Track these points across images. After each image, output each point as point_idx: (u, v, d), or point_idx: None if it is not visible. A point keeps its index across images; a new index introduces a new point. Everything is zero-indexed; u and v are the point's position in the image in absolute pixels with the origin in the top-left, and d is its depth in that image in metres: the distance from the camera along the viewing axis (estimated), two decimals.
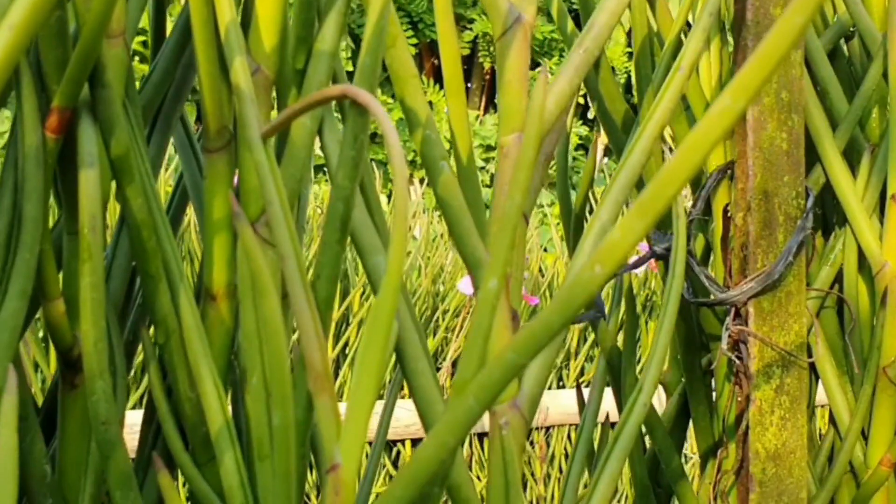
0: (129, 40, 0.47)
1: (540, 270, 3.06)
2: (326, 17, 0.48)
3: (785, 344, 0.67)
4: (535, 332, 0.37)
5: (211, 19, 0.46)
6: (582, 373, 2.81)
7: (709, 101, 0.71)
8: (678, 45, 0.66)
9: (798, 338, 0.68)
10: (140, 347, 0.53)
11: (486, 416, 0.50)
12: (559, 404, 2.60)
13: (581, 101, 6.23)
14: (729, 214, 0.70)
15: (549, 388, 2.87)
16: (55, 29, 0.42)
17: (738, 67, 0.67)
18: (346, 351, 2.51)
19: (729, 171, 0.69)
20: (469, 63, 6.56)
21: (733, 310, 0.67)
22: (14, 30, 0.29)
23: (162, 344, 0.47)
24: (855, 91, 0.74)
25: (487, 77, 6.54)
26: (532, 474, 2.65)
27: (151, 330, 0.50)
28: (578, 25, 0.62)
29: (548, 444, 2.68)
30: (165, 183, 2.49)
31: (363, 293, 2.56)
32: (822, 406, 0.79)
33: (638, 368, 0.64)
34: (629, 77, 6.02)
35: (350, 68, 4.19)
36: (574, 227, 0.72)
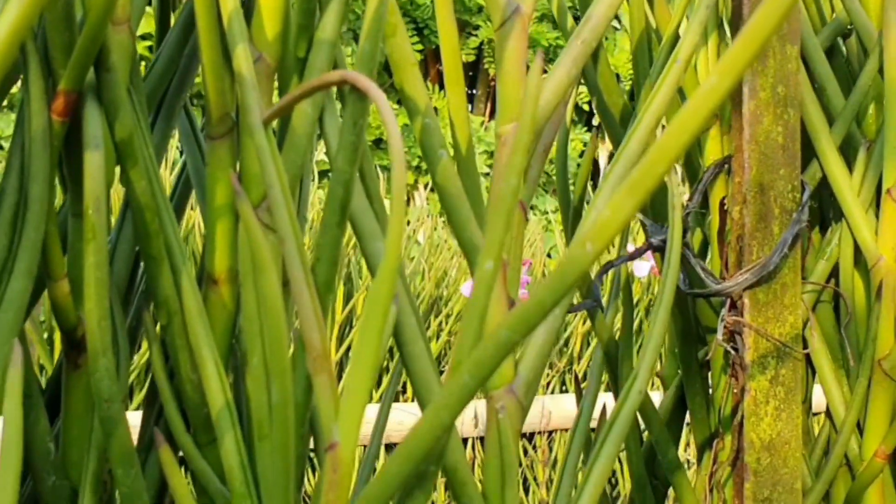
0: (134, 28, 0.48)
1: (543, 275, 3.07)
2: (327, 6, 0.49)
3: (780, 335, 0.68)
4: (528, 310, 0.38)
5: (214, 8, 0.47)
6: (585, 377, 2.81)
7: None
8: (676, 40, 0.66)
9: (793, 329, 0.69)
10: (143, 353, 0.54)
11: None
12: (562, 408, 2.61)
13: (587, 107, 6.24)
14: (726, 208, 0.71)
15: (553, 393, 2.87)
16: (62, 14, 0.43)
17: None
18: (351, 354, 2.52)
19: (726, 166, 0.70)
20: (474, 69, 6.58)
21: (729, 301, 0.68)
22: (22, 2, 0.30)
23: (164, 326, 0.48)
24: (852, 88, 0.75)
25: (493, 83, 6.56)
26: (535, 478, 2.65)
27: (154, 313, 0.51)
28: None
29: (550, 449, 2.68)
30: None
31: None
32: (818, 413, 0.80)
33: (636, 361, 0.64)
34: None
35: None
36: (573, 220, 0.73)
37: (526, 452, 2.63)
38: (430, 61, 6.29)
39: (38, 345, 1.88)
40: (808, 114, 0.73)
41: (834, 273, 0.75)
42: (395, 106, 5.45)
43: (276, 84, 0.51)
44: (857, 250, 0.73)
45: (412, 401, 2.41)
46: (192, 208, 2.44)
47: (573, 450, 0.60)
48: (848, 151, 0.75)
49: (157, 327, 0.50)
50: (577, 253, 0.36)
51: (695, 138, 0.33)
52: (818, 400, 0.76)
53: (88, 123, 0.43)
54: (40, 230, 0.42)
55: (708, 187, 0.71)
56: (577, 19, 0.74)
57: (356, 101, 0.46)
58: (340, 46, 0.51)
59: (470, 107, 6.95)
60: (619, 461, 2.36)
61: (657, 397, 0.77)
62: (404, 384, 2.55)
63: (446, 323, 2.76)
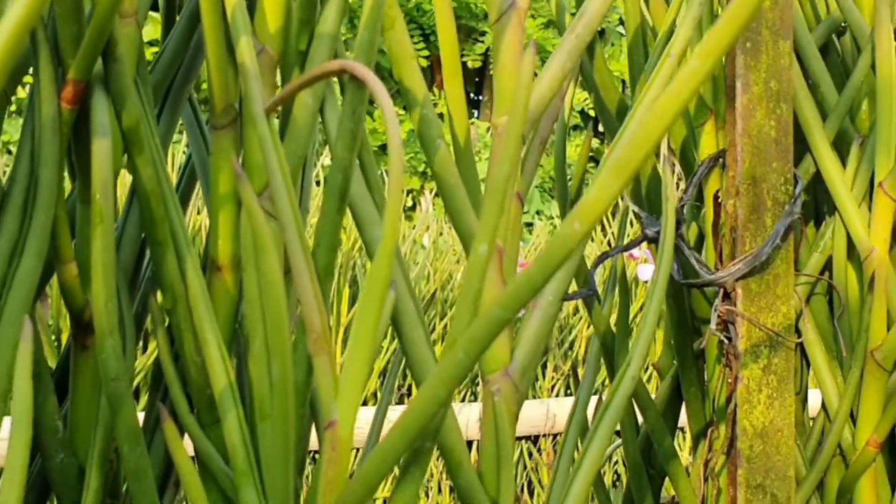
0: (141, 21, 0.49)
1: None
2: (328, 0, 0.51)
3: (772, 325, 0.69)
4: (519, 288, 0.39)
5: (219, 3, 0.49)
6: None
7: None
8: (671, 36, 0.68)
9: (785, 319, 0.70)
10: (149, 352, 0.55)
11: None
12: (567, 412, 2.61)
13: (592, 113, 6.25)
14: (720, 201, 0.72)
15: (557, 396, 2.88)
16: (71, 6, 0.45)
17: (729, 59, 0.70)
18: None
19: (721, 160, 0.72)
20: (481, 75, 6.60)
21: (722, 291, 0.69)
22: None
23: (169, 309, 0.49)
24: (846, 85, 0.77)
25: None
26: (539, 481, 2.66)
27: (160, 299, 0.52)
28: None
29: (555, 451, 2.69)
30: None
31: None
32: (813, 418, 0.81)
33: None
34: None
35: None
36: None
37: (531, 455, 2.64)
38: (436, 68, 6.31)
39: (46, 346, 1.90)
40: (801, 110, 0.74)
41: (828, 266, 0.76)
42: (402, 112, 5.46)
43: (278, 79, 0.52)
44: (851, 243, 0.74)
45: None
46: (198, 212, 2.46)
47: (570, 435, 0.61)
48: (841, 146, 0.77)
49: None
50: (566, 231, 0.37)
51: (676, 119, 0.35)
52: (812, 406, 0.77)
53: (96, 112, 0.45)
54: (50, 213, 0.43)
55: (703, 181, 0.72)
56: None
57: (355, 90, 0.47)
58: (341, 39, 0.53)
59: (476, 112, 6.96)
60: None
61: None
62: (401, 391, 2.57)
63: (451, 324, 2.77)
